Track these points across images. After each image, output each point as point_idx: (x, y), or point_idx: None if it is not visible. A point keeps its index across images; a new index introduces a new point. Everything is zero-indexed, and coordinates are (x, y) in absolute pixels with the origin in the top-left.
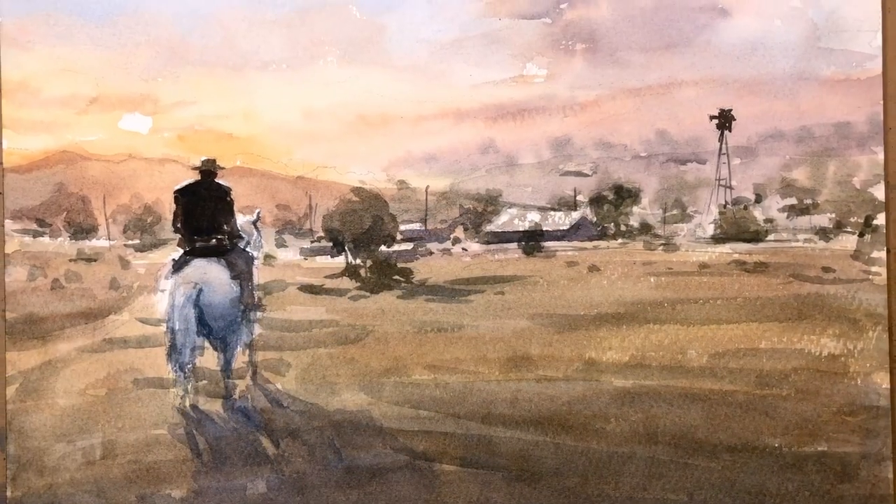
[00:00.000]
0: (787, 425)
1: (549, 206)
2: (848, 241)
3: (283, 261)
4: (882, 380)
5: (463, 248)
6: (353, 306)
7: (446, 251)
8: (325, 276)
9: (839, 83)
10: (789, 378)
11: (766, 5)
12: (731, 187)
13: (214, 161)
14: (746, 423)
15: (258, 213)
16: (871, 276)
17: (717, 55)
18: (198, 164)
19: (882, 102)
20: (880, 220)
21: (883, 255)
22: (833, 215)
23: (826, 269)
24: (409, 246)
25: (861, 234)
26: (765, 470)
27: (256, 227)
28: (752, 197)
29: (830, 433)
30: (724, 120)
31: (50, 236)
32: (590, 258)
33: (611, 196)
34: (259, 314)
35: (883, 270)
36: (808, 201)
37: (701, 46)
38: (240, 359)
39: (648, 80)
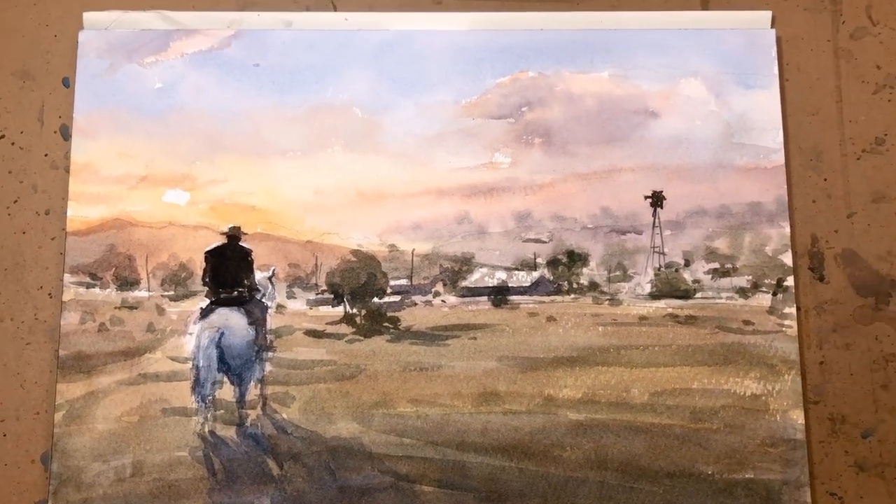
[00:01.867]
0: (718, 455)
1: (513, 266)
2: (764, 299)
3: (291, 310)
4: (797, 416)
5: (442, 300)
6: (349, 348)
7: (428, 303)
8: (327, 323)
9: (750, 171)
10: (718, 414)
11: (688, 109)
12: (663, 253)
13: (239, 228)
14: (683, 452)
15: (273, 270)
16: (784, 329)
17: (650, 148)
18: (225, 230)
19: (786, 187)
20: (790, 282)
21: (793, 310)
22: (750, 277)
23: (746, 322)
24: (397, 298)
25: (774, 293)
26: (700, 494)
27: (271, 282)
28: (682, 261)
29: (755, 462)
30: (657, 199)
31: (100, 288)
32: (548, 310)
33: (564, 259)
34: (270, 354)
35: (794, 324)
36: (729, 266)
37: (636, 141)
38: (252, 392)
39: (593, 167)
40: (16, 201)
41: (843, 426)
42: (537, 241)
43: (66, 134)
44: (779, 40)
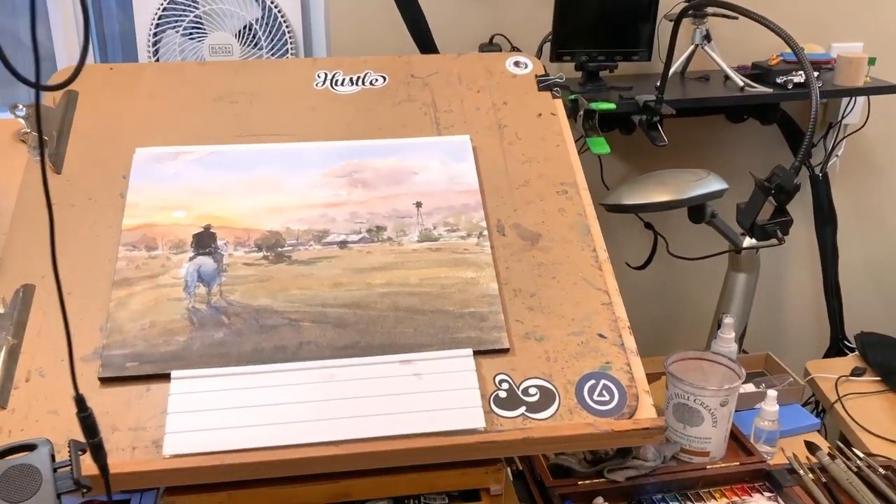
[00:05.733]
0: (455, 301)
1: (349, 233)
2: (474, 240)
3: (236, 255)
4: (494, 287)
5: (314, 248)
6: (265, 269)
7: (307, 249)
8: (254, 259)
9: (463, 192)
10: (454, 285)
11: (431, 171)
12: (423, 224)
13: (210, 224)
14: (438, 301)
15: (226, 241)
16: (484, 251)
17: (414, 185)
18: (203, 225)
19: (482, 199)
20: (486, 233)
21: (488, 247)
22: (465, 232)
23: (465, 249)
24: (290, 248)
25: (478, 237)
26: (447, 318)
27: (225, 245)
28: (432, 227)
29: (474, 303)
30: (419, 204)
31: (136, 251)
32: (367, 249)
33: (374, 229)
34: (224, 273)
35: (489, 250)
36: (455, 228)
37: (408, 183)
38: (215, 289)
39: (389, 194)
40: (96, 222)
41: (520, 292)
42: (360, 222)
43: (123, 196)
44: (474, 147)
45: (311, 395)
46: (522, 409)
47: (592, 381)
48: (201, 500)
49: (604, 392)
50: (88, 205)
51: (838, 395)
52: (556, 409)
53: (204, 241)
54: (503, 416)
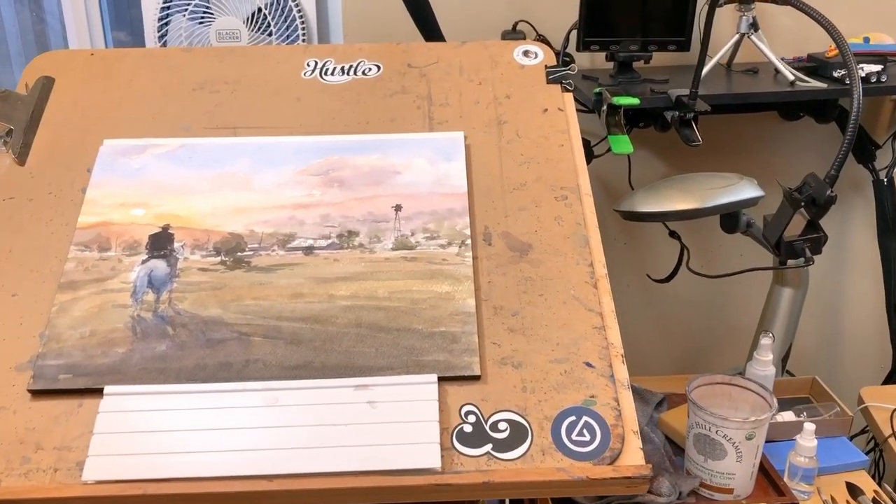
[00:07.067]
0: (425, 319)
1: (317, 237)
2: (455, 250)
3: (192, 259)
4: (472, 303)
5: (277, 254)
6: (221, 275)
7: (269, 255)
8: (210, 265)
9: (448, 195)
10: (426, 300)
11: (416, 171)
12: (400, 230)
13: (169, 224)
14: (406, 319)
15: (183, 242)
16: (465, 263)
17: (396, 186)
18: (161, 224)
19: (468, 203)
20: (469, 242)
21: (470, 255)
22: (446, 241)
23: (444, 260)
24: (251, 252)
25: (460, 247)
26: (415, 338)
27: (182, 248)
28: (410, 233)
29: (446, 322)
30: (398, 207)
31: (88, 251)
32: (334, 256)
33: (346, 234)
34: (176, 279)
35: (470, 262)
36: (436, 235)
37: (389, 183)
38: (164, 296)
39: (366, 195)
40: (52, 219)
41: (501, 310)
42: (331, 226)
43: (84, 191)
44: (467, 145)
45: (249, 421)
46: (488, 447)
47: (572, 418)
48: None
49: (584, 431)
50: (48, 200)
51: (893, 428)
52: (527, 449)
53: (160, 243)
54: (465, 455)
